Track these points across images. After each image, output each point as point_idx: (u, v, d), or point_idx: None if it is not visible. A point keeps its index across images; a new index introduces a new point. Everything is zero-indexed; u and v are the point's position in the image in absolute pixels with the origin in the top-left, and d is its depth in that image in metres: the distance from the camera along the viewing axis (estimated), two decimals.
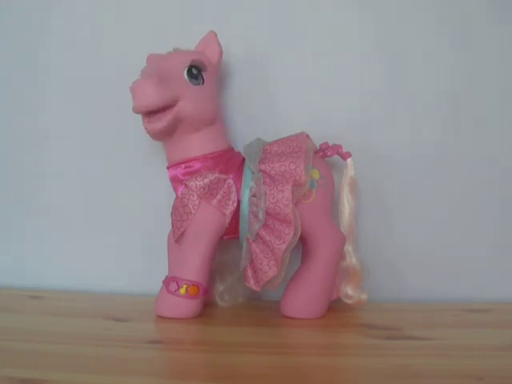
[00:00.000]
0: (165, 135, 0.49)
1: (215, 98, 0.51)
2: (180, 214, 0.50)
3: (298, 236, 0.47)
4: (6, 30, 0.61)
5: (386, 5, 0.57)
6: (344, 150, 0.53)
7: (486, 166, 0.58)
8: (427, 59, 0.57)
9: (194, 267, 0.49)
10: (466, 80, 0.57)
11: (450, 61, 0.57)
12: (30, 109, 0.61)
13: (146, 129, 0.48)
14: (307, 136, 0.51)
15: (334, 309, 0.51)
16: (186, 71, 0.48)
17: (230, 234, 0.51)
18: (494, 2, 0.56)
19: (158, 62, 0.49)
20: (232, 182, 0.50)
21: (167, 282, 0.49)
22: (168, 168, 0.51)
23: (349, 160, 0.52)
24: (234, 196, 0.49)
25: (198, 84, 0.49)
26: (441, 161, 0.58)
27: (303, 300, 0.49)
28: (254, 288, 0.48)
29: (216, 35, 0.52)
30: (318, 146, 0.53)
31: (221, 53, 0.52)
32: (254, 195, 0.48)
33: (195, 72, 0.49)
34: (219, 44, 0.52)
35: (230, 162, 0.51)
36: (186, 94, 0.48)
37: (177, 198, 0.51)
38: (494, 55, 0.57)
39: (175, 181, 0.50)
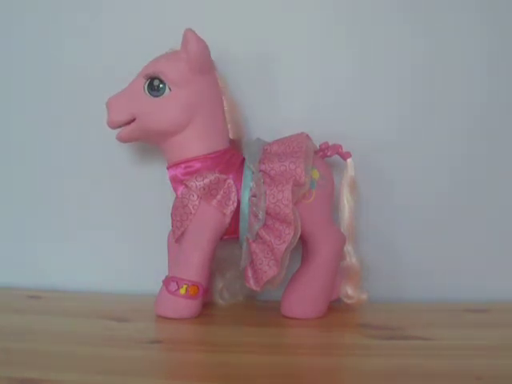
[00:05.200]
0: (144, 141, 0.53)
1: (188, 103, 0.49)
2: (180, 214, 0.50)
3: (298, 236, 0.47)
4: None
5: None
6: (344, 150, 0.52)
7: (485, 163, 0.57)
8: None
9: (194, 267, 0.49)
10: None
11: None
12: (29, 107, 0.61)
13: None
14: (307, 136, 0.51)
15: (334, 309, 0.51)
16: (146, 85, 0.49)
17: (229, 234, 0.51)
18: None
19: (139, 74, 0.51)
20: (232, 182, 0.50)
21: (167, 281, 0.49)
22: (168, 168, 0.51)
23: (349, 160, 0.52)
24: (233, 196, 0.49)
25: (160, 95, 0.49)
26: (441, 161, 0.58)
27: (303, 300, 0.49)
28: (254, 288, 0.48)
29: (192, 33, 0.48)
30: (317, 145, 0.53)
31: (198, 52, 0.48)
32: (253, 195, 0.48)
33: (157, 83, 0.49)
34: (197, 41, 0.48)
35: (229, 161, 0.51)
36: (144, 110, 0.49)
37: (177, 198, 0.50)
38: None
39: (175, 181, 0.50)
